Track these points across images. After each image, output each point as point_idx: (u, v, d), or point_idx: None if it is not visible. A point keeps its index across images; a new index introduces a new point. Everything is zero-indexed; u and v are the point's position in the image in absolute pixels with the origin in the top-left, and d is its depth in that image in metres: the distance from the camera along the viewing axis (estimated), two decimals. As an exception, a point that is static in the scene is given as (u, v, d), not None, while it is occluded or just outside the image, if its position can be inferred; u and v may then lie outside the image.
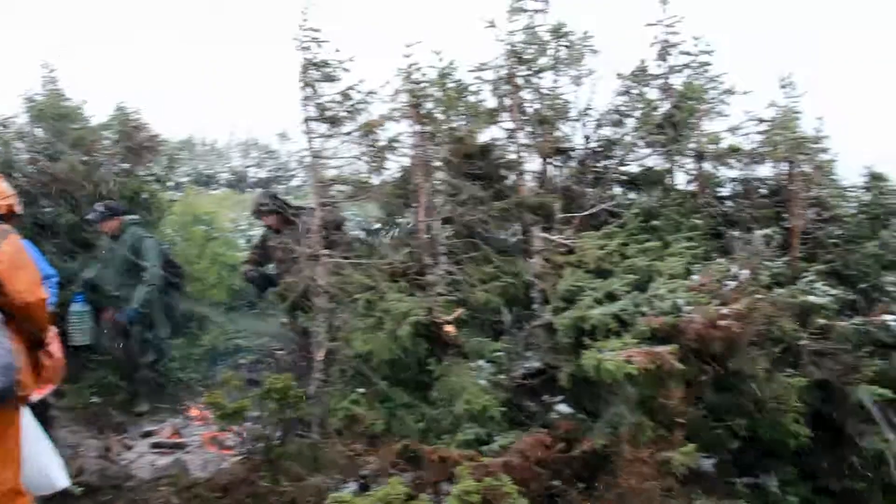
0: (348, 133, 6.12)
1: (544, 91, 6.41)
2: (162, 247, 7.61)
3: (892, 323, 5.63)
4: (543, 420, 4.98)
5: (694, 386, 5.02)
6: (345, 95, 6.05)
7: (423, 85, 6.08)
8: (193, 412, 7.29)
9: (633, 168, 6.62)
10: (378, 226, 6.76)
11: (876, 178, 6.68)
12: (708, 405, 5.33)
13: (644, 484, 4.51)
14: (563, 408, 4.96)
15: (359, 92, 6.05)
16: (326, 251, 5.82)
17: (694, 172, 6.45)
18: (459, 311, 5.33)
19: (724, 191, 6.72)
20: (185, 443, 6.58)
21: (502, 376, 5.11)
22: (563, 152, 6.46)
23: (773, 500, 5.68)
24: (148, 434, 6.81)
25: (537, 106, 6.37)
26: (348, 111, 6.12)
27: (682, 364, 4.59)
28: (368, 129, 6.17)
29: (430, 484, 4.64)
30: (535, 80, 6.39)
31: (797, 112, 6.41)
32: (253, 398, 5.06)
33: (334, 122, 6.09)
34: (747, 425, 5.31)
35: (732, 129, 6.57)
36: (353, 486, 4.93)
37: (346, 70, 5.94)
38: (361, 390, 5.42)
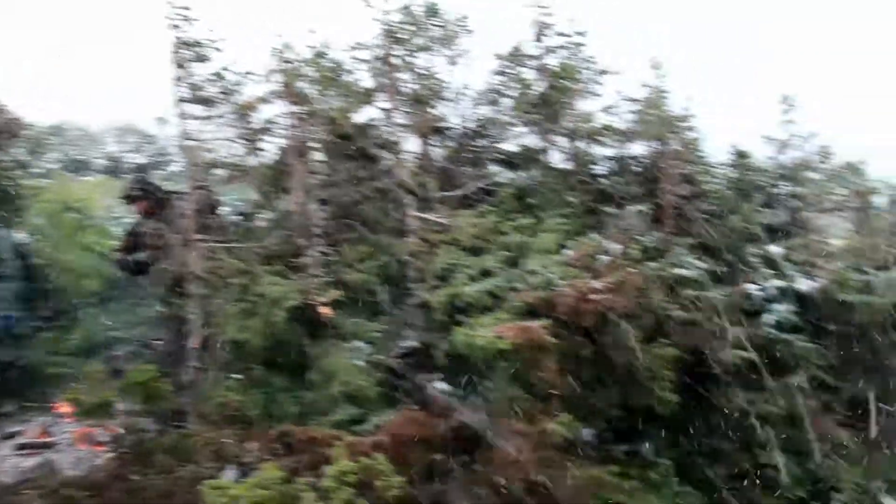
0: (222, 115, 5.96)
1: (420, 71, 6.39)
2: (15, 238, 7.21)
3: (755, 291, 5.90)
4: (421, 398, 4.99)
5: (569, 358, 5.14)
6: (217, 76, 5.89)
7: (297, 65, 5.97)
8: (63, 409, 6.94)
9: (510, 147, 6.68)
10: (253, 209, 6.60)
11: (741, 155, 6.95)
12: (585, 377, 5.47)
13: (521, 455, 4.60)
14: (441, 385, 4.98)
15: (233, 72, 5.91)
16: (200, 236, 5.65)
17: (569, 151, 6.56)
18: (335, 293, 5.28)
19: (600, 168, 6.85)
20: (55, 442, 6.23)
21: (379, 356, 5.09)
22: (439, 132, 6.46)
23: (648, 464, 5.90)
24: (11, 435, 6.42)
25: (413, 86, 6.34)
26: (222, 92, 5.96)
27: (555, 338, 4.68)
28: (243, 111, 6.03)
29: (307, 466, 4.59)
30: (410, 59, 6.36)
31: (665, 92, 6.59)
32: (118, 392, 4.88)
33: (208, 103, 5.92)
34: (622, 395, 5.48)
35: (606, 109, 6.72)
36: (232, 473, 4.82)
37: (218, 50, 5.77)
38: (237, 376, 5.31)
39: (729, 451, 5.91)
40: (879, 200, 6.86)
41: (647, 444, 6.02)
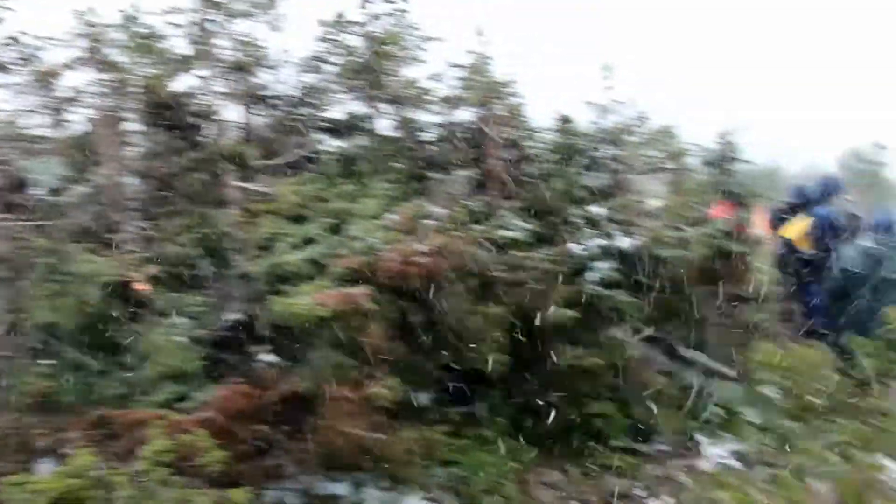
0: (22, 83, 5.56)
1: (240, 37, 6.18)
2: None
3: (578, 251, 6.11)
4: (248, 370, 4.86)
5: (397, 323, 5.15)
6: (13, 39, 5.48)
7: (103, 29, 5.64)
8: None
9: (335, 115, 6.59)
10: (63, 184, 6.20)
11: (565, 120, 7.14)
12: (415, 341, 5.50)
13: (348, 422, 4.57)
14: (268, 357, 4.86)
15: (31, 36, 5.51)
16: (2, 216, 5.26)
17: (394, 118, 6.54)
18: (153, 268, 5.05)
19: (427, 135, 6.87)
20: None
21: (202, 331, 4.91)
22: (262, 100, 6.28)
23: (482, 423, 6.03)
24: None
25: (233, 53, 6.13)
26: (20, 58, 5.56)
27: (379, 303, 4.67)
28: (45, 79, 5.64)
29: (127, 450, 4.38)
30: (229, 25, 6.14)
31: (489, 58, 6.67)
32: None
33: (3, 69, 5.51)
34: (454, 357, 5.55)
35: (432, 76, 6.74)
36: (47, 465, 4.55)
37: (10, 10, 5.36)
38: (50, 361, 4.99)
39: (559, 405, 6.10)
40: (692, 161, 7.23)
41: (480, 405, 6.15)
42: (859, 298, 6.32)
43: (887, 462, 5.50)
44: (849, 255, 6.73)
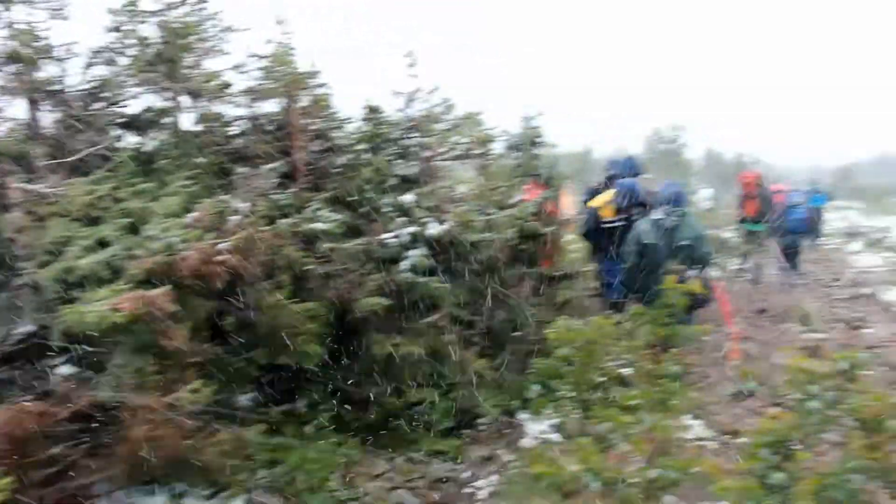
0: None
1: (19, 26, 5.72)
2: None
3: (390, 240, 6.13)
4: (42, 386, 4.53)
5: (204, 324, 4.97)
6: None
7: None
8: None
9: (131, 109, 6.25)
10: None
11: (373, 110, 7.14)
12: (228, 341, 5.34)
13: (156, 430, 4.37)
14: (65, 369, 4.55)
15: None
16: None
17: (196, 111, 6.30)
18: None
19: (234, 129, 6.67)
20: None
21: (-13, 347, 4.53)
22: (48, 94, 5.85)
23: (304, 420, 5.95)
24: None
25: (11, 43, 5.66)
26: None
27: (182, 303, 4.48)
28: None
29: None
30: (5, 13, 5.67)
31: (293, 48, 6.56)
32: None
33: None
34: (270, 355, 5.43)
35: (236, 67, 6.54)
36: None
37: None
38: None
39: (381, 396, 6.13)
40: (497, 147, 7.42)
41: (302, 401, 6.08)
42: (655, 267, 6.71)
43: (688, 420, 5.94)
44: (643, 228, 7.15)
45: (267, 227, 5.28)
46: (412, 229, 6.14)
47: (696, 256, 6.99)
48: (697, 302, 6.71)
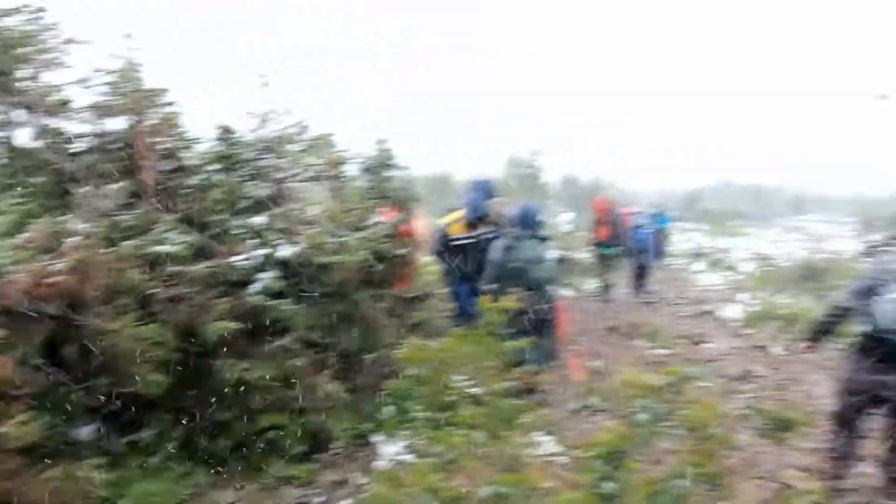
0: None
1: None
2: None
3: (240, 262, 6.00)
4: None
5: (35, 351, 4.69)
6: None
7: None
8: None
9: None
10: None
11: (226, 130, 7.00)
12: (63, 369, 5.06)
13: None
14: None
15: None
16: None
17: (32, 127, 5.98)
18: None
19: (77, 146, 6.37)
20: None
21: None
22: None
23: (149, 451, 5.71)
24: None
25: None
26: None
27: (10, 329, 4.23)
28: None
29: None
30: None
31: (139, 65, 6.35)
32: None
33: None
34: (110, 383, 5.19)
35: (78, 82, 6.26)
36: None
37: None
38: None
39: (231, 422, 5.97)
40: (350, 168, 7.43)
41: (147, 431, 5.83)
42: (505, 286, 6.85)
43: (539, 437, 6.09)
44: (496, 248, 7.32)
45: (109, 249, 5.06)
46: (264, 251, 6.04)
47: (531, 279, 7.13)
48: (544, 322, 6.92)
